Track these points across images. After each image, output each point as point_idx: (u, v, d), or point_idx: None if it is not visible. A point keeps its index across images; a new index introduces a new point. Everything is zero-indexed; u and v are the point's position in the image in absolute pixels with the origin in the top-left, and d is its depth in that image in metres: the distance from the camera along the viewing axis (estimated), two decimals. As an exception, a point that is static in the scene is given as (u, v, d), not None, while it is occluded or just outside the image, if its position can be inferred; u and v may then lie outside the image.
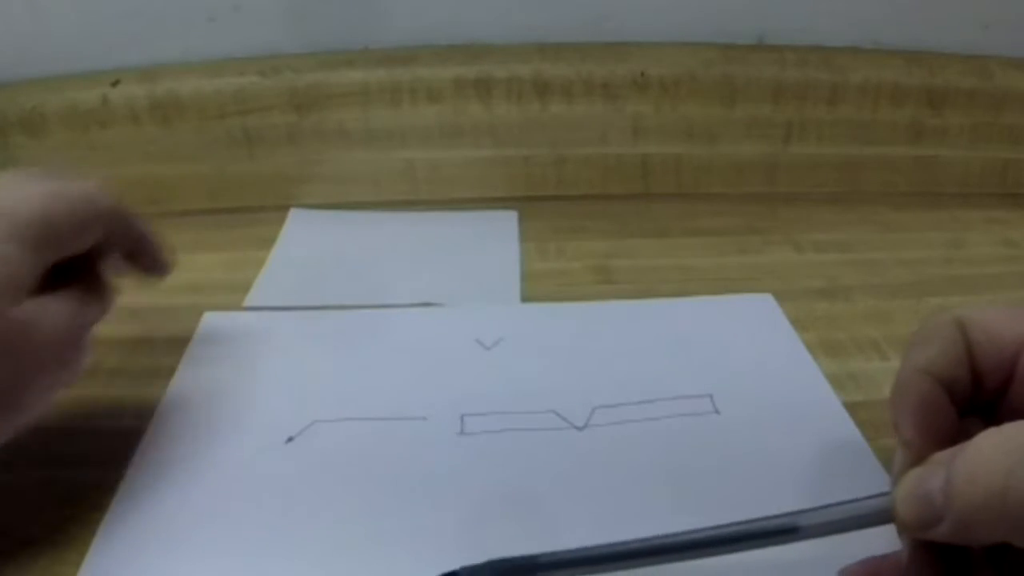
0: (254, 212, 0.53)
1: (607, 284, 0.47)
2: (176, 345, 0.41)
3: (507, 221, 0.53)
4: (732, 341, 0.41)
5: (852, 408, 0.36)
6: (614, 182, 0.56)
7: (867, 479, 0.33)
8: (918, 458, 0.24)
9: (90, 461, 0.34)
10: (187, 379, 0.39)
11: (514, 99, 0.53)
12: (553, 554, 0.26)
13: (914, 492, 0.22)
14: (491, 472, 0.33)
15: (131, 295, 0.46)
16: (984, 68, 0.54)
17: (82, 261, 0.32)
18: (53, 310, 0.29)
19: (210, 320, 0.43)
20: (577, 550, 0.26)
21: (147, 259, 0.36)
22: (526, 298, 0.45)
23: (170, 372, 0.39)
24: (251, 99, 0.52)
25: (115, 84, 0.51)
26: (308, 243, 0.51)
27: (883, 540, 0.25)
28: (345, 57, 0.53)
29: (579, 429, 0.36)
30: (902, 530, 0.24)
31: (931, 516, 0.22)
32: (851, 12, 0.54)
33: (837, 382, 0.38)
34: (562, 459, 0.34)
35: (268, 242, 0.50)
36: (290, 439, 0.35)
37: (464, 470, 0.33)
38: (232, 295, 0.45)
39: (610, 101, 0.53)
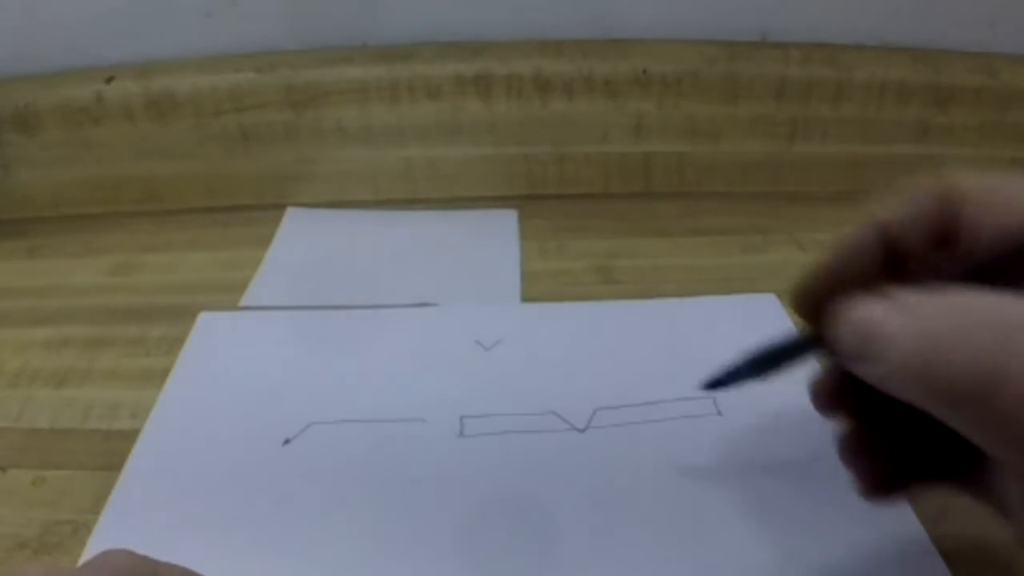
0: (250, 211, 0.53)
1: (608, 284, 0.46)
2: (172, 345, 0.40)
3: (507, 220, 0.52)
4: (735, 342, 0.41)
5: (858, 410, 0.36)
6: (616, 181, 0.55)
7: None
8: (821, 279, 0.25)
9: (86, 462, 0.34)
10: (183, 380, 0.38)
11: (514, 96, 0.52)
12: None
13: (869, 318, 0.22)
14: (491, 475, 0.33)
15: (126, 295, 0.46)
16: (991, 66, 0.54)
17: None
18: None
19: (206, 320, 0.42)
20: None
21: None
22: (526, 298, 0.45)
23: (166, 373, 0.39)
24: (248, 96, 0.51)
25: (109, 81, 0.51)
26: (305, 242, 0.51)
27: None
28: (343, 54, 0.52)
29: (580, 431, 0.35)
30: (842, 358, 0.23)
31: (877, 350, 0.21)
32: (856, 9, 0.54)
33: (843, 384, 0.38)
34: (563, 461, 0.33)
35: (265, 241, 0.50)
36: (287, 441, 0.35)
37: (464, 473, 0.33)
38: (228, 295, 0.45)
39: (612, 99, 0.53)
